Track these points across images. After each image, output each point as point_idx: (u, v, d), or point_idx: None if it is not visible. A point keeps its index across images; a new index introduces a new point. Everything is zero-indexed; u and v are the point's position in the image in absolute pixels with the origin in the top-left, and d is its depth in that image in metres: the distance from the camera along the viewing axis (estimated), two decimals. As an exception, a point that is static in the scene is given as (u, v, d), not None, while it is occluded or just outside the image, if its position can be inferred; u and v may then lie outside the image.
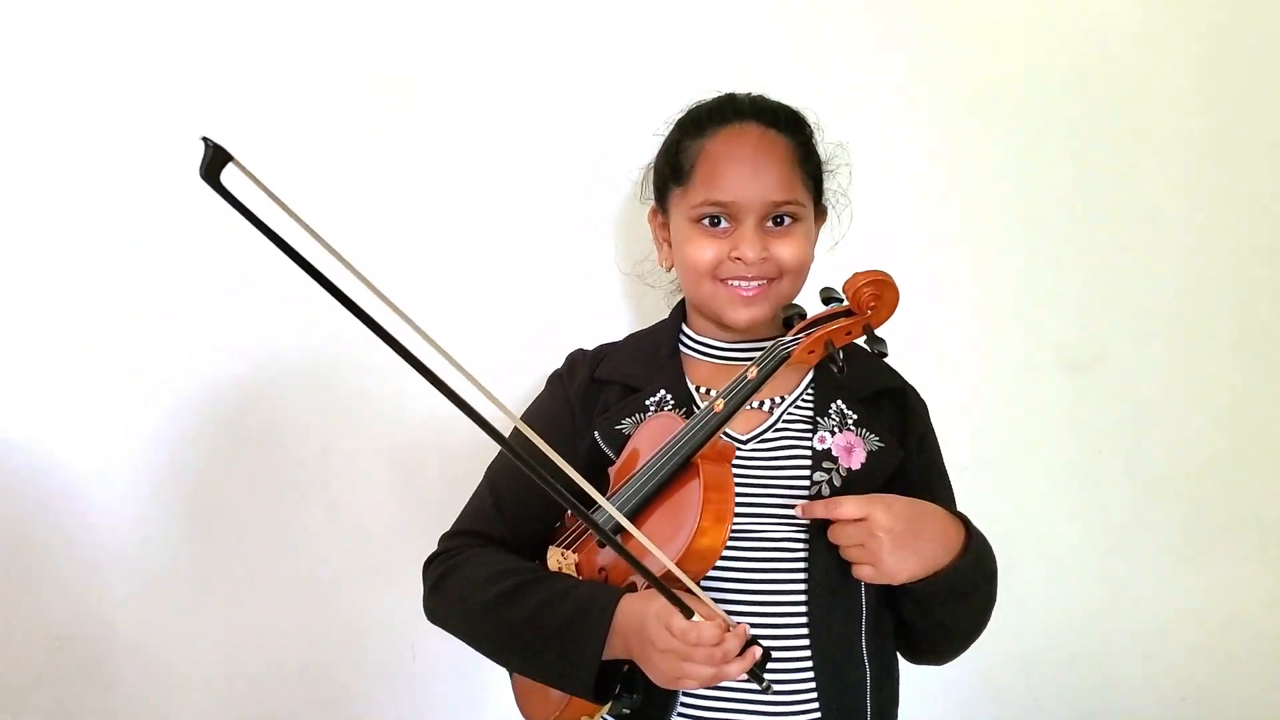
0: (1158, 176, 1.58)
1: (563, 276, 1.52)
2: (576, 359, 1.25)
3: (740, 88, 1.20)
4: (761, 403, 1.16)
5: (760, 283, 1.14)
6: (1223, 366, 1.62)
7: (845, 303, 1.08)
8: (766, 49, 1.51)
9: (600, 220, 1.51)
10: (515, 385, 1.39)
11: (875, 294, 1.06)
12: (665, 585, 0.95)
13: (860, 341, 1.10)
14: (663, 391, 1.16)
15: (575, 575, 1.12)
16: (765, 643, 0.95)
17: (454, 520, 1.21)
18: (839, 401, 1.15)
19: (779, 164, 1.13)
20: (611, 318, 1.51)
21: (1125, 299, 1.60)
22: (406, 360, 0.83)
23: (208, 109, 1.45)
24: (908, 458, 1.16)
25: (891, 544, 1.03)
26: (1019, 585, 1.58)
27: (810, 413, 1.15)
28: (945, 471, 1.24)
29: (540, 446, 0.91)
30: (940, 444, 1.24)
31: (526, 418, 1.22)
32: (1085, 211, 1.58)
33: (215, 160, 0.78)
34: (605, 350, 1.25)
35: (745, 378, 1.06)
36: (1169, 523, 1.64)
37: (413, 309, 0.85)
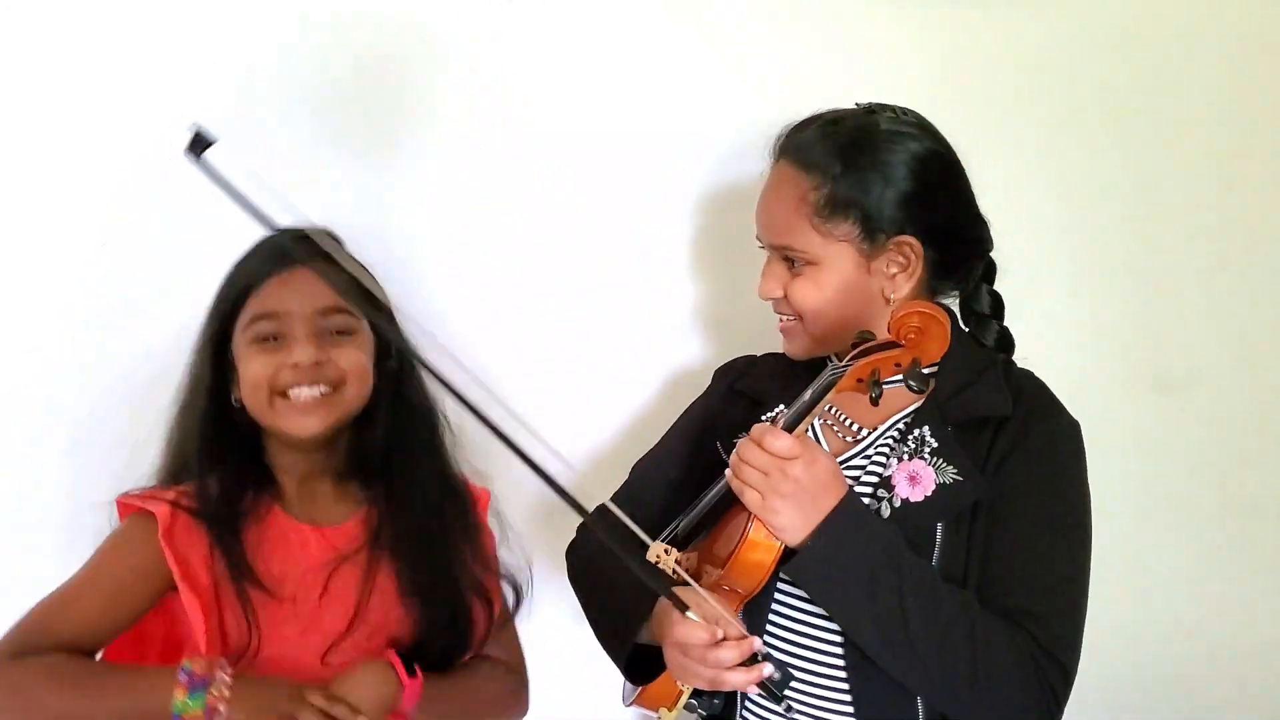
0: (1258, 194, 1.55)
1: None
2: (731, 366, 1.28)
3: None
4: (860, 429, 1.13)
5: (789, 318, 1.13)
6: (1320, 387, 1.59)
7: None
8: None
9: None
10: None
11: (918, 326, 1.02)
12: (660, 579, 0.95)
13: (906, 379, 1.04)
14: (781, 407, 1.14)
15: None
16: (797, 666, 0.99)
17: None
18: (925, 428, 1.07)
19: (778, 205, 1.11)
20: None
21: (1222, 318, 1.57)
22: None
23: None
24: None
25: (791, 490, 0.97)
26: (1107, 607, 1.56)
27: (898, 439, 1.10)
28: (1040, 520, 1.04)
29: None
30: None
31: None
32: (1185, 230, 1.55)
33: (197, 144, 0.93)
34: (755, 362, 1.27)
35: (801, 398, 1.04)
36: (1264, 545, 1.61)
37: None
